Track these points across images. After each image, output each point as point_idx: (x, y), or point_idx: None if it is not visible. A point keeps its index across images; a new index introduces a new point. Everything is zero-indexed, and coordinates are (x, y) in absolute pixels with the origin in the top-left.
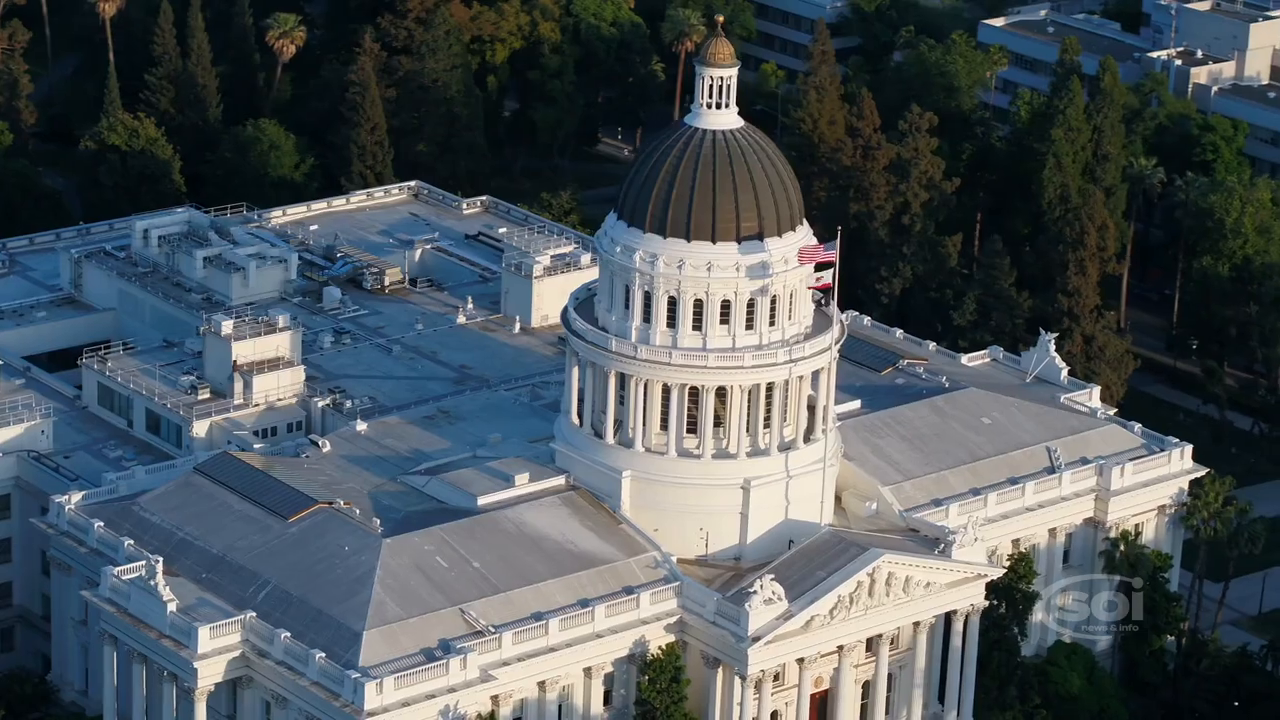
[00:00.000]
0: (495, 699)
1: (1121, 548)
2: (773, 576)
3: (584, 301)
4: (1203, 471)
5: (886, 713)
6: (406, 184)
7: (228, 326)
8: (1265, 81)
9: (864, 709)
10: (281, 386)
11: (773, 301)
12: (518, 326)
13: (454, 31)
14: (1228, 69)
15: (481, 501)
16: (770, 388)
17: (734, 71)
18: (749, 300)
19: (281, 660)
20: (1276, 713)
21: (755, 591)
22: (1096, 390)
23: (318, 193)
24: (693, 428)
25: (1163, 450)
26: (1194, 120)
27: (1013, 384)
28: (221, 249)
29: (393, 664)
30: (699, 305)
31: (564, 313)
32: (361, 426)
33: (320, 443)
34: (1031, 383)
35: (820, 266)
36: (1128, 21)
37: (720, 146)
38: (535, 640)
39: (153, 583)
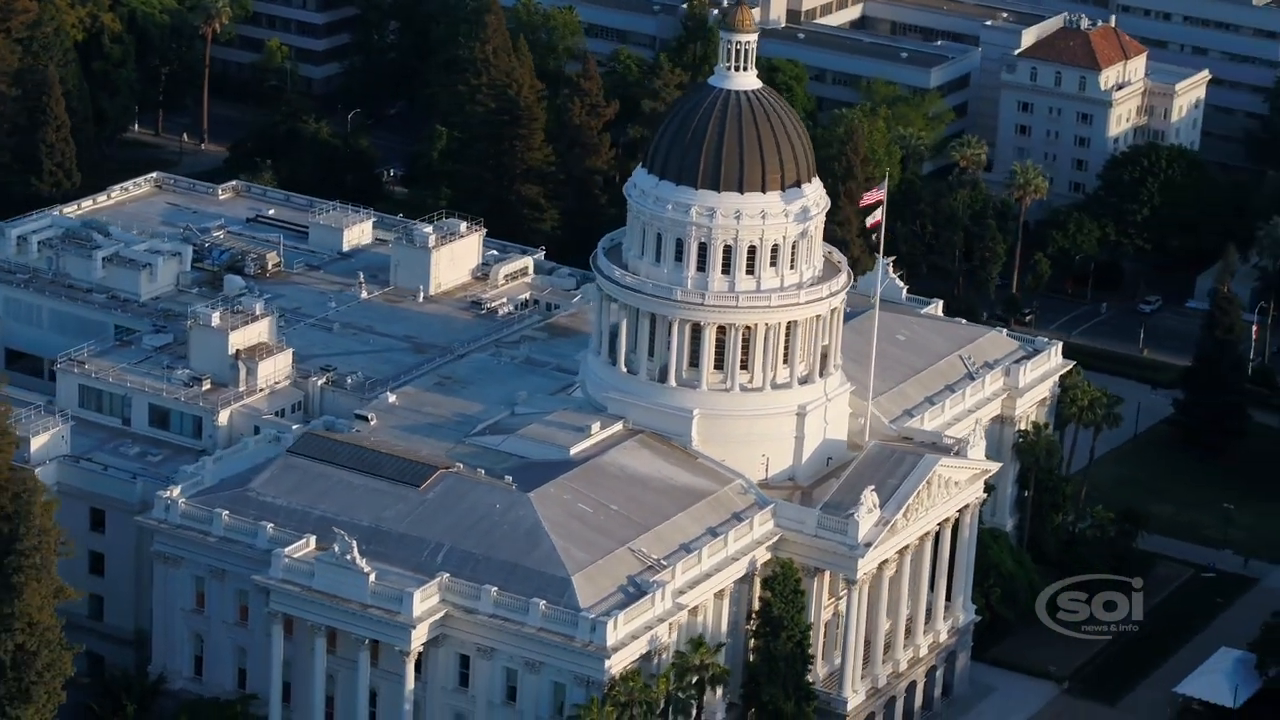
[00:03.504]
0: (670, 628)
1: (1036, 439)
2: (873, 488)
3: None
4: (1070, 365)
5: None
6: (148, 176)
7: (216, 318)
8: (783, 25)
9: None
10: (278, 370)
11: (810, 242)
12: (421, 296)
13: (62, 28)
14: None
15: (573, 452)
16: (816, 320)
17: (755, 37)
18: (793, 243)
19: (493, 613)
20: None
21: (860, 503)
22: (940, 304)
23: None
24: (743, 364)
25: (1035, 350)
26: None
27: (870, 306)
28: (116, 247)
29: (605, 602)
30: (751, 251)
31: (597, 265)
32: (393, 398)
33: (369, 417)
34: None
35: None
36: None
37: (754, 106)
38: (692, 570)
39: (348, 557)
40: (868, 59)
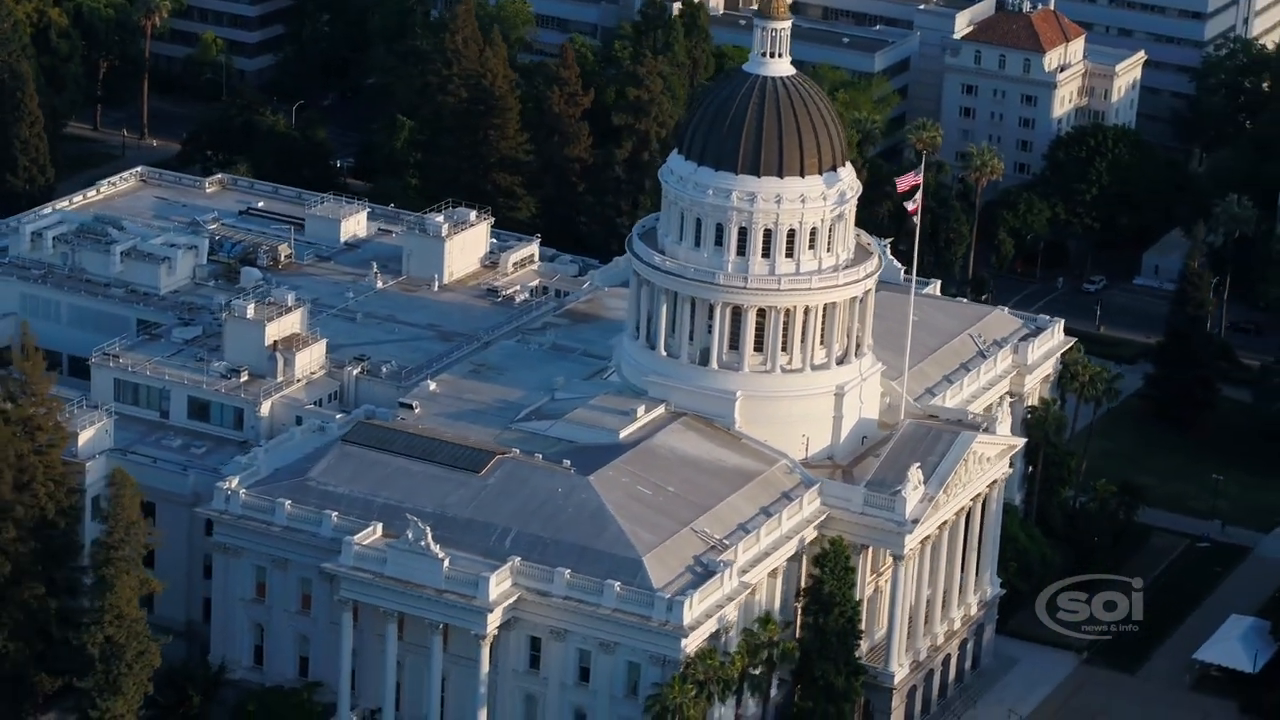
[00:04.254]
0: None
1: (1045, 415)
2: (919, 465)
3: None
4: (1071, 342)
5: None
6: (134, 170)
7: (252, 310)
8: (723, 12)
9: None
10: (314, 360)
11: (845, 225)
12: (436, 285)
13: (19, 23)
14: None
15: (622, 436)
16: (852, 301)
17: (789, 24)
18: (830, 226)
19: (567, 595)
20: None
21: (907, 480)
22: (938, 284)
23: None
24: (782, 346)
25: (1038, 328)
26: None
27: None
28: (133, 241)
29: (676, 582)
30: (790, 235)
31: (635, 251)
32: (433, 386)
33: (414, 405)
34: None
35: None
36: None
37: (791, 91)
38: (752, 549)
39: (422, 543)
40: (810, 44)
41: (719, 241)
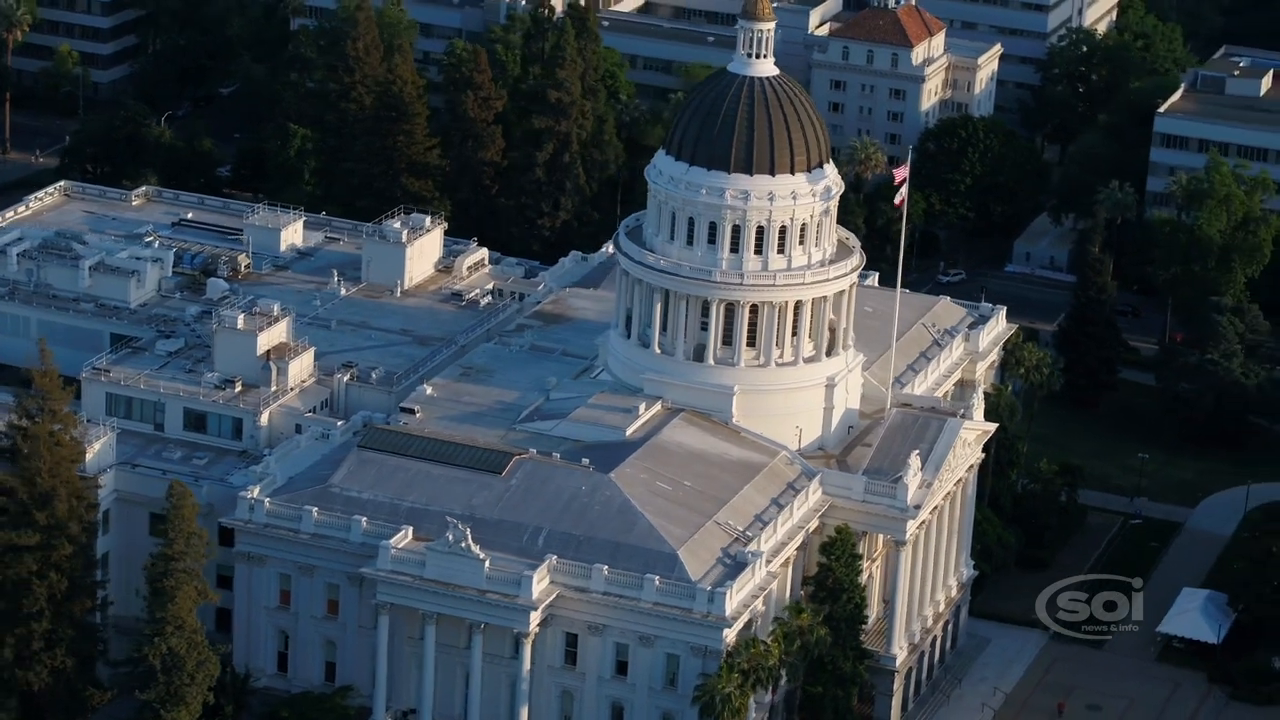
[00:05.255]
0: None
1: (999, 401)
2: (917, 452)
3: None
4: (1014, 328)
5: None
6: (56, 185)
7: (242, 320)
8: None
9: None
10: (304, 368)
11: (830, 220)
12: (399, 290)
13: None
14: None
15: (628, 433)
16: (840, 294)
17: (772, 25)
18: (818, 222)
19: (606, 591)
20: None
21: (908, 467)
22: (876, 275)
23: None
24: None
25: (983, 316)
26: None
27: None
28: (99, 256)
29: (711, 574)
30: (782, 231)
31: (625, 251)
32: (430, 390)
33: (415, 410)
34: None
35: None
36: None
37: (777, 91)
38: (770, 540)
39: (463, 545)
40: (675, 44)
41: (712, 239)
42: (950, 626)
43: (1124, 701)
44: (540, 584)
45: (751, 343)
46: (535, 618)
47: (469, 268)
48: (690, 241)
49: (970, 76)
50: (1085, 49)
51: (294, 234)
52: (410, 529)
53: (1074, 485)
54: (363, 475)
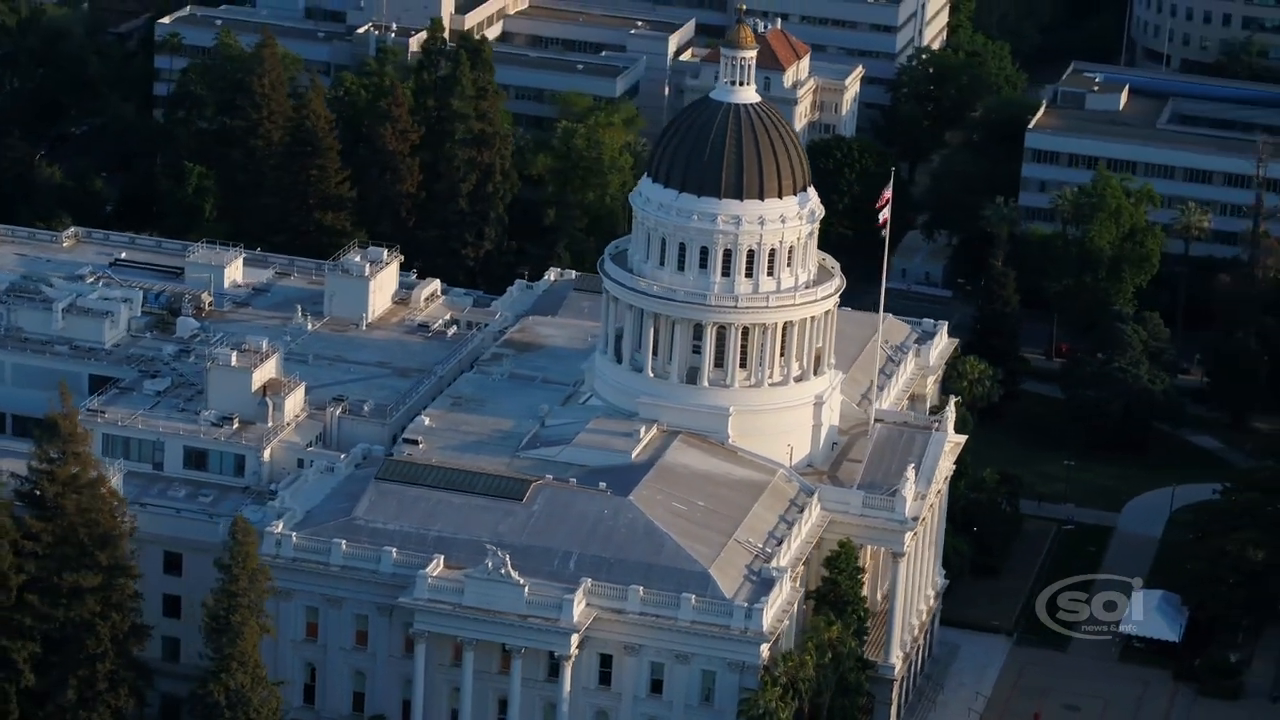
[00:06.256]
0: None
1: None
2: (913, 464)
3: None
4: (955, 343)
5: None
6: None
7: (235, 358)
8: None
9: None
10: (297, 403)
11: (814, 243)
12: (364, 324)
13: None
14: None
15: (634, 456)
16: (826, 315)
17: (754, 54)
18: (804, 244)
19: (642, 611)
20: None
21: (905, 480)
22: None
23: None
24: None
25: (925, 332)
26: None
27: None
28: (70, 298)
29: (742, 591)
30: (771, 254)
31: (615, 278)
32: (428, 421)
33: (418, 440)
34: None
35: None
36: None
37: (761, 118)
38: (786, 556)
39: (502, 571)
40: (546, 72)
41: (704, 264)
42: (928, 635)
43: (1099, 702)
44: (579, 607)
45: (744, 364)
46: (575, 640)
47: (426, 299)
48: (682, 267)
49: (838, 98)
50: (932, 70)
51: (235, 271)
52: (441, 558)
53: (1014, 494)
54: (385, 506)
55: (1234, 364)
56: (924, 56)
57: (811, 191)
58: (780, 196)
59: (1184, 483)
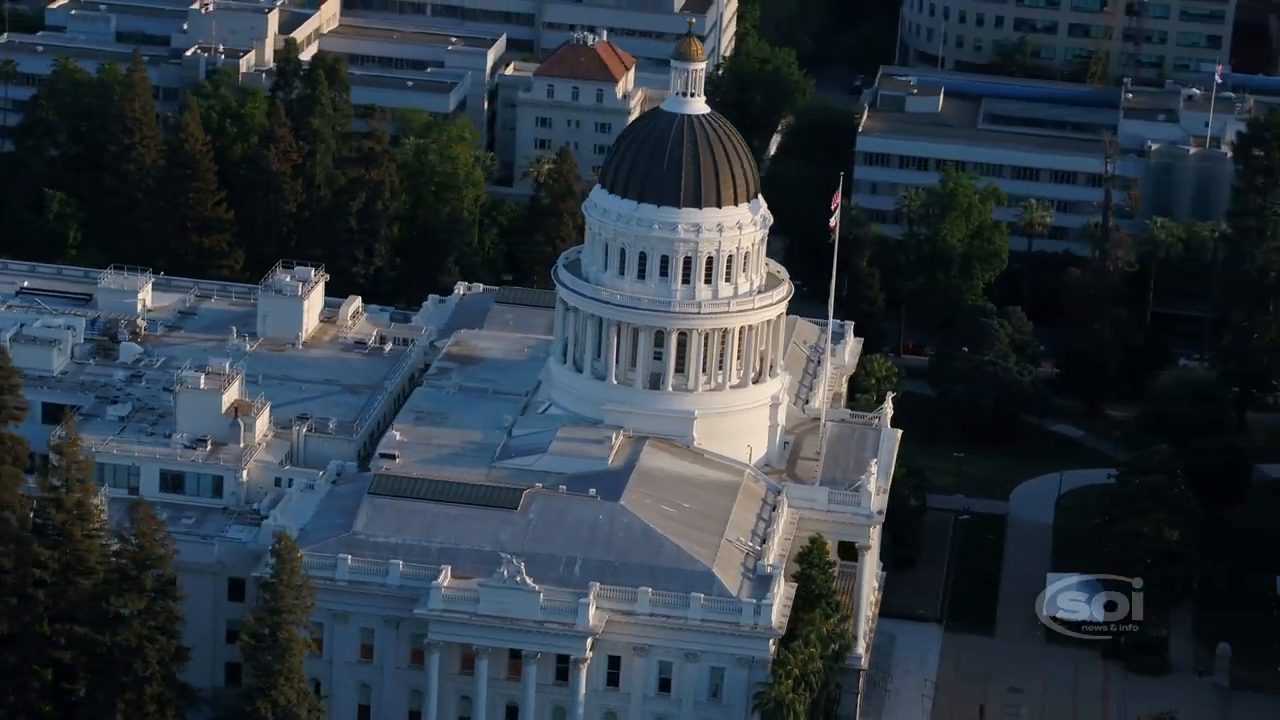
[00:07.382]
0: None
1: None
2: (875, 460)
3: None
4: (860, 342)
5: None
6: None
7: (204, 381)
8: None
9: None
10: (264, 423)
11: (763, 248)
12: (299, 343)
13: None
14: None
15: (611, 462)
16: (780, 317)
17: (704, 66)
18: (758, 249)
19: (652, 613)
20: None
21: (869, 475)
22: None
23: None
24: (719, 364)
25: (835, 332)
26: None
27: None
28: (14, 328)
29: (744, 588)
30: (729, 260)
31: (573, 288)
32: (400, 436)
33: (395, 455)
34: None
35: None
36: None
37: (712, 128)
38: (774, 553)
39: (517, 579)
40: (378, 90)
41: (664, 272)
42: (874, 625)
43: (1038, 682)
44: (592, 610)
45: (704, 368)
46: (590, 643)
47: (351, 316)
48: (642, 275)
49: None
50: (734, 78)
51: (146, 295)
52: (449, 568)
53: (920, 487)
54: (383, 521)
55: (1086, 356)
56: (726, 66)
57: (760, 199)
58: (736, 204)
59: (1057, 470)
